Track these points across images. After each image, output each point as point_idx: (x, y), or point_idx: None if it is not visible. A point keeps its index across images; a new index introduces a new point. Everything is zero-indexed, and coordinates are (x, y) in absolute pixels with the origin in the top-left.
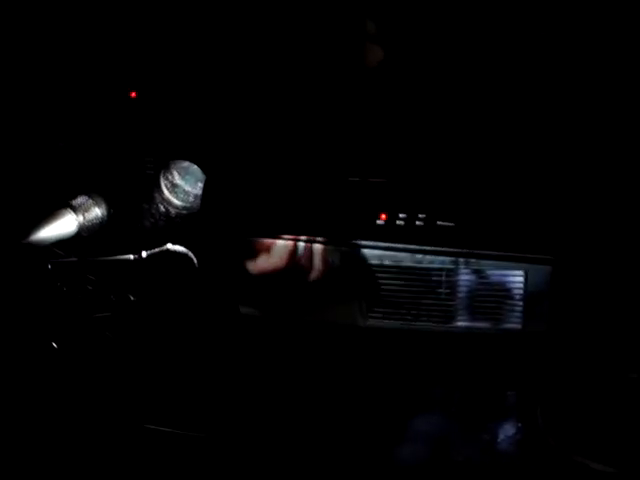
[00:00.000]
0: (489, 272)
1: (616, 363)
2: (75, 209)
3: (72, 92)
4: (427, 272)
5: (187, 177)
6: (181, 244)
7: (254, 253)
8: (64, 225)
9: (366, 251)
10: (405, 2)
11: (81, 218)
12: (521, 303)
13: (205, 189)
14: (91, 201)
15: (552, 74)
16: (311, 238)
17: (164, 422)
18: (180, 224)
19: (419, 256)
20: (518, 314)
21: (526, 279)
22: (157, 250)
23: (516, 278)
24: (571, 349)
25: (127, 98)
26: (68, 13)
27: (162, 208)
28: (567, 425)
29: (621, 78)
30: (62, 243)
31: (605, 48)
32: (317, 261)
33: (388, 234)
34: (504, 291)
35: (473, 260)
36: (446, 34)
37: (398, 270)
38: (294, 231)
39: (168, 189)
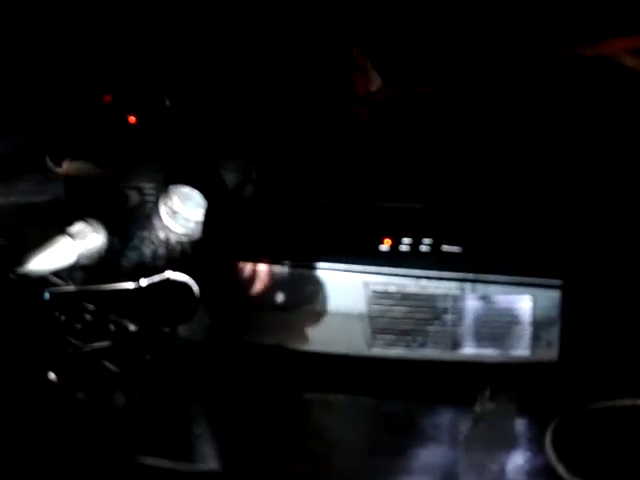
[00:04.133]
0: (496, 298)
1: (626, 389)
2: (73, 236)
3: (71, 117)
4: (433, 298)
5: (187, 203)
6: (181, 272)
7: (255, 280)
8: (62, 253)
9: (370, 277)
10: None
11: (79, 246)
12: (529, 329)
13: (205, 215)
14: (89, 228)
15: (555, 104)
16: (314, 264)
17: (162, 455)
18: (180, 251)
19: (424, 282)
20: (526, 340)
21: (534, 304)
22: (157, 278)
23: (523, 303)
24: (581, 376)
25: (126, 124)
26: (71, 40)
27: (162, 235)
28: (576, 454)
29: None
30: (60, 271)
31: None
32: (319, 288)
33: (392, 259)
34: (511, 317)
35: (479, 286)
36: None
37: (403, 296)
38: (297, 257)
39: (168, 215)
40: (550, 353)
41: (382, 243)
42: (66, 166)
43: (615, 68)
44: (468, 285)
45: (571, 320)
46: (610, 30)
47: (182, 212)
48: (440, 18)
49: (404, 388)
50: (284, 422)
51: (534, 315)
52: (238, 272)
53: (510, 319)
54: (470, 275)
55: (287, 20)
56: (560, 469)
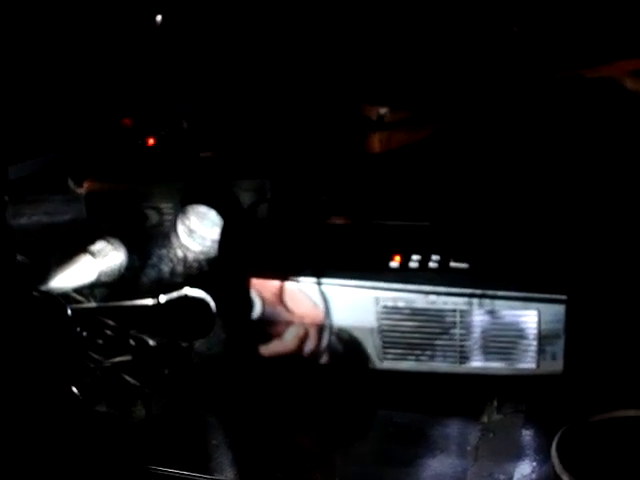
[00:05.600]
0: (502, 312)
1: (630, 400)
2: (94, 254)
3: (91, 139)
4: (441, 313)
5: (204, 222)
6: (199, 288)
7: (270, 296)
8: (83, 271)
9: (379, 292)
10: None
11: (100, 263)
12: (535, 343)
13: (222, 234)
14: (110, 247)
15: (559, 125)
16: (326, 280)
17: (181, 466)
18: (197, 268)
19: (433, 297)
20: (532, 354)
21: (539, 319)
22: (175, 295)
23: (529, 318)
24: (585, 387)
25: (145, 145)
26: (92, 65)
27: (180, 253)
28: (581, 464)
29: (624, 134)
30: (82, 289)
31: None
32: (331, 304)
33: (402, 276)
34: (518, 331)
35: (486, 301)
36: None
37: (412, 311)
38: (310, 273)
39: (186, 234)
40: (555, 366)
41: (392, 260)
42: (87, 186)
43: (617, 90)
44: (475, 300)
45: (576, 334)
46: (612, 53)
47: (199, 231)
48: (447, 38)
49: (414, 400)
50: (298, 433)
51: (540, 329)
52: (253, 288)
53: (516, 333)
54: (477, 290)
55: (301, 47)
56: (566, 479)
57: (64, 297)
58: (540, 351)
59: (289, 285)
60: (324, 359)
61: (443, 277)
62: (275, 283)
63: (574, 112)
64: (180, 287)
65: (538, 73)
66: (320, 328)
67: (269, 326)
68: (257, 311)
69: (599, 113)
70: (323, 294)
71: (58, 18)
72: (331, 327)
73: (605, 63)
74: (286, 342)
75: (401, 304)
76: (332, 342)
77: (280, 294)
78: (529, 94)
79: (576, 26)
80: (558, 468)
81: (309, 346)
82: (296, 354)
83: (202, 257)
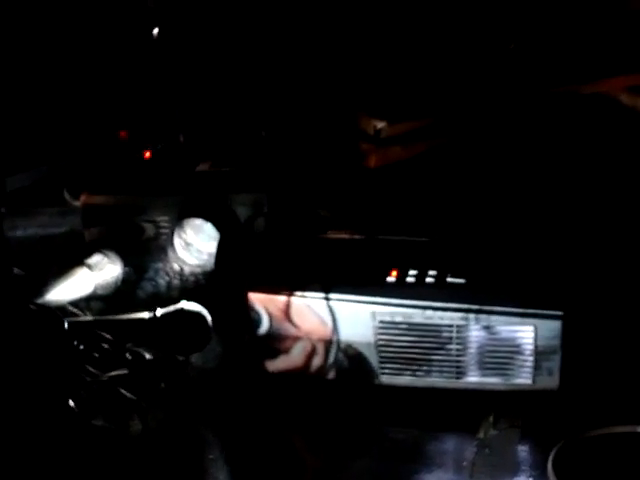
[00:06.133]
0: (499, 328)
1: (626, 416)
2: (91, 267)
3: (88, 152)
4: (438, 328)
5: (201, 235)
6: (195, 302)
7: (267, 310)
8: (80, 284)
9: (377, 307)
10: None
11: (97, 277)
12: (531, 358)
13: (218, 247)
14: (106, 260)
15: (554, 141)
16: (323, 295)
17: None
18: (194, 282)
19: (430, 312)
20: (528, 369)
21: (536, 334)
22: (172, 308)
23: (526, 333)
24: (581, 403)
25: (141, 158)
26: (88, 77)
27: (176, 267)
28: (579, 478)
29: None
30: (78, 302)
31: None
32: (328, 318)
33: (399, 291)
34: (514, 346)
35: (483, 316)
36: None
37: (409, 326)
38: (307, 288)
39: (182, 247)
40: (551, 381)
41: (389, 275)
42: (83, 199)
43: (612, 106)
44: (472, 315)
45: (572, 349)
46: (608, 69)
47: (196, 244)
48: (445, 54)
49: (410, 415)
50: (294, 448)
51: (536, 345)
52: (249, 302)
53: (513, 348)
54: (474, 306)
55: (297, 61)
56: None
57: (60, 310)
58: (536, 367)
59: (286, 300)
60: (320, 374)
61: (440, 292)
62: (272, 297)
63: (570, 128)
64: (176, 301)
65: (534, 89)
66: (317, 343)
67: (265, 340)
68: (254, 326)
69: (595, 129)
70: (320, 309)
71: (54, 30)
72: (328, 342)
73: (601, 79)
74: (283, 356)
75: (398, 319)
76: (329, 357)
77: (277, 308)
78: (526, 110)
79: (572, 42)
80: None
81: (305, 361)
82: (292, 369)
83: (199, 271)
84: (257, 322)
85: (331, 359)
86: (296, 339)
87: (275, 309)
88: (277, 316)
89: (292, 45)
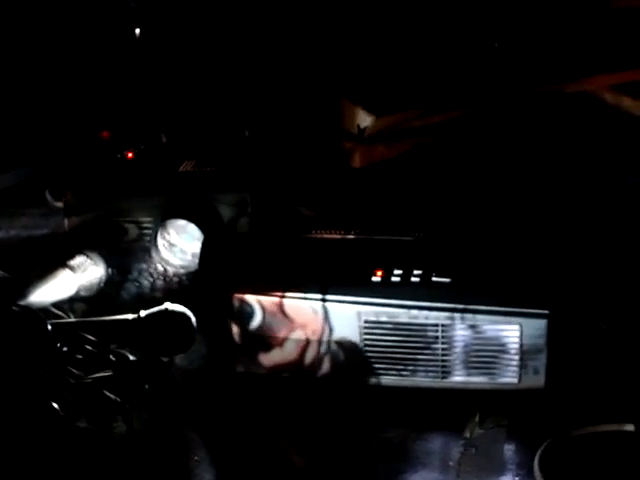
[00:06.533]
0: (484, 327)
1: (611, 415)
2: (73, 269)
3: (70, 152)
4: (423, 327)
5: (184, 236)
6: (179, 303)
7: (251, 311)
8: (63, 285)
9: (362, 307)
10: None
11: (80, 278)
12: (517, 357)
13: (202, 248)
14: (89, 261)
15: (539, 139)
16: (307, 295)
17: None
18: (178, 283)
19: (415, 312)
20: (514, 368)
21: (521, 333)
22: (155, 310)
23: (511, 332)
24: (567, 402)
25: (124, 159)
26: (70, 77)
27: (160, 267)
28: (563, 478)
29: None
30: (61, 303)
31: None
32: (312, 319)
33: (384, 290)
34: (500, 346)
35: (468, 315)
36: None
37: (394, 326)
38: (292, 288)
39: (166, 248)
40: (537, 380)
41: (374, 274)
42: (66, 200)
43: (596, 104)
44: (457, 315)
45: (558, 348)
46: (592, 67)
47: (179, 245)
48: (430, 53)
49: (396, 415)
50: (280, 449)
51: (522, 344)
52: (233, 303)
53: (498, 348)
54: (459, 305)
55: (280, 59)
56: None
57: (43, 312)
58: (522, 366)
59: (271, 300)
60: (305, 374)
61: (425, 291)
62: (257, 298)
63: (555, 127)
64: (160, 302)
65: (519, 88)
66: (302, 344)
67: (249, 341)
68: (238, 326)
69: (580, 128)
70: (305, 309)
71: (37, 31)
72: (313, 343)
73: (585, 77)
74: (267, 357)
75: (383, 318)
76: (314, 358)
77: (261, 309)
78: (511, 109)
79: (556, 41)
80: None
81: (290, 362)
82: (277, 369)
83: (182, 271)
84: (236, 322)
85: (316, 360)
86: (281, 340)
87: (259, 309)
88: (262, 316)
89: (275, 44)
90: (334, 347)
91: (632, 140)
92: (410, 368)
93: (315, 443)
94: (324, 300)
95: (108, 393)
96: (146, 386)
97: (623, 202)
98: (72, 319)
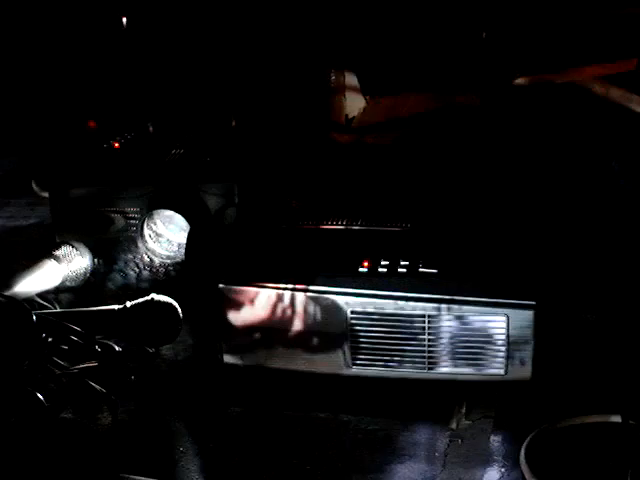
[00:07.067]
0: (471, 318)
1: (597, 406)
2: (59, 259)
3: (56, 142)
4: (409, 318)
5: (171, 226)
6: (165, 294)
7: (238, 302)
8: (48, 276)
9: (348, 298)
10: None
11: (65, 268)
12: (504, 348)
13: (188, 238)
14: (75, 251)
15: (528, 130)
16: (294, 286)
17: (148, 473)
18: (164, 273)
19: (401, 302)
20: (501, 360)
21: (508, 324)
22: (141, 300)
23: (498, 324)
24: (554, 393)
25: (110, 149)
26: (57, 67)
27: (146, 258)
28: (550, 469)
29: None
30: (46, 294)
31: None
32: (299, 310)
33: (371, 281)
34: (486, 337)
35: (455, 306)
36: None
37: (381, 316)
38: (278, 279)
39: (152, 239)
40: (524, 372)
41: (361, 265)
42: (51, 190)
43: (584, 95)
44: (444, 305)
45: (544, 339)
46: (580, 58)
47: (166, 235)
48: (418, 42)
49: (383, 406)
50: (266, 440)
51: (508, 335)
52: (220, 294)
53: (485, 339)
54: (446, 296)
55: (269, 48)
56: None
57: (28, 302)
58: (509, 357)
59: (257, 291)
60: (292, 365)
61: (412, 282)
62: (243, 289)
63: (543, 117)
64: (146, 292)
65: (506, 78)
66: (289, 334)
67: (236, 332)
68: (224, 317)
69: (567, 118)
70: (292, 300)
71: (21, 21)
72: (300, 332)
73: (573, 68)
74: (254, 348)
75: (370, 309)
76: (300, 348)
77: (248, 300)
78: (500, 99)
79: (544, 32)
80: (527, 474)
81: (277, 352)
82: (264, 360)
83: (168, 262)
84: (222, 313)
85: (303, 350)
86: (268, 331)
87: (246, 300)
88: (248, 307)
89: (263, 34)
90: (321, 338)
91: (618, 130)
92: (396, 359)
93: (300, 434)
94: (311, 291)
95: (93, 384)
96: (132, 377)
97: (610, 193)
98: (57, 309)
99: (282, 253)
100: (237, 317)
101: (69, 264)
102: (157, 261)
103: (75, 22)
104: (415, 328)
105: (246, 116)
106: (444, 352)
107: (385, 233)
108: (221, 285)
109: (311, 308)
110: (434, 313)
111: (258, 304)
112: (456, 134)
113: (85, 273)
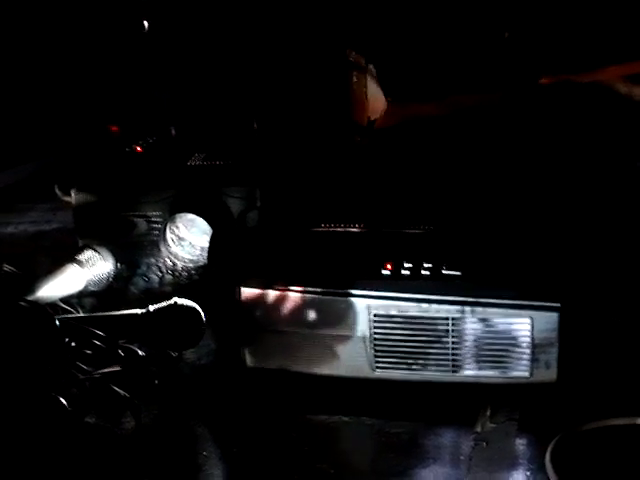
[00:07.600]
0: (495, 320)
1: (623, 409)
2: (82, 264)
3: (79, 147)
4: (433, 321)
5: (193, 230)
6: (188, 297)
7: (260, 305)
8: (71, 280)
9: (371, 301)
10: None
11: (88, 273)
12: (528, 351)
13: (211, 242)
14: (98, 256)
15: (552, 130)
16: (316, 289)
17: (171, 478)
18: (187, 277)
19: (425, 305)
20: (526, 362)
21: (533, 327)
22: (164, 304)
23: (523, 326)
24: (579, 396)
25: (133, 153)
26: (79, 71)
27: (169, 262)
28: (575, 472)
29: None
30: (70, 298)
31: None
32: (322, 313)
33: (394, 283)
34: (511, 339)
35: (479, 308)
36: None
37: (404, 319)
38: (301, 282)
39: (175, 242)
40: (549, 374)
41: (384, 267)
42: (74, 195)
43: (610, 95)
44: (468, 308)
45: (569, 342)
46: (605, 57)
47: (188, 239)
48: (441, 43)
49: (407, 409)
50: (290, 444)
51: (533, 337)
52: (243, 297)
53: (509, 341)
54: (470, 298)
55: (290, 50)
56: None
57: (52, 307)
58: (533, 359)
59: (280, 294)
60: (315, 369)
61: (435, 285)
62: (266, 292)
63: (567, 117)
64: (169, 296)
65: (531, 78)
66: (312, 338)
67: (258, 335)
68: (247, 320)
69: (591, 118)
70: (314, 303)
71: (43, 26)
72: (323, 336)
73: (598, 68)
74: (276, 351)
75: (393, 312)
76: (324, 352)
77: (271, 303)
78: (523, 99)
79: (569, 31)
80: (552, 477)
81: (300, 356)
82: (287, 364)
83: (191, 266)
84: (245, 316)
85: (326, 354)
86: (290, 334)
87: (269, 304)
88: (271, 311)
89: (284, 37)
90: (343, 341)
91: None
92: (420, 362)
93: (324, 438)
94: (333, 294)
95: (117, 388)
96: (155, 381)
97: (636, 194)
98: (81, 314)
99: (304, 256)
100: (260, 320)
101: (92, 269)
102: (180, 265)
103: (98, 27)
104: (439, 331)
105: (268, 119)
106: (468, 355)
107: (408, 235)
108: (243, 288)
109: (333, 311)
110: (458, 315)
111: (281, 307)
112: (479, 136)
113: (108, 277)
